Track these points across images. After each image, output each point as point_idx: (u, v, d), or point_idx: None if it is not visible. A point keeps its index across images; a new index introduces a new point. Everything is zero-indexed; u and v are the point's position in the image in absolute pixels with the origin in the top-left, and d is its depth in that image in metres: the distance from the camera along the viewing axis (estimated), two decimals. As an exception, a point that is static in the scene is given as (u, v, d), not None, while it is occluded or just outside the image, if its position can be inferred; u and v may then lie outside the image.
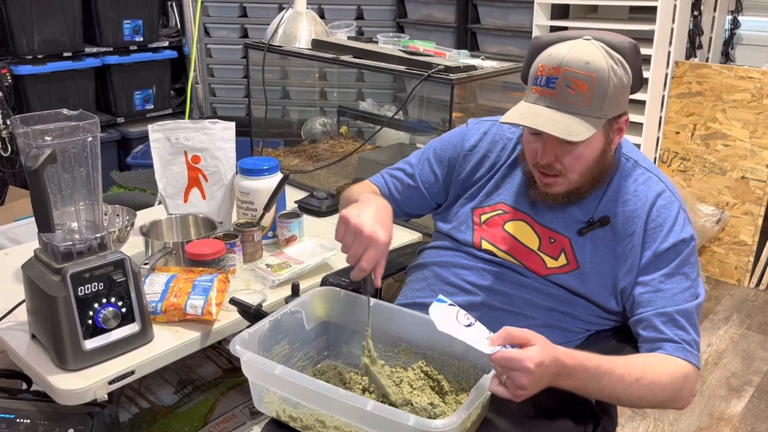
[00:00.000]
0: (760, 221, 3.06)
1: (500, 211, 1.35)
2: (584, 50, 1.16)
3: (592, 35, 1.22)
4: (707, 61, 3.39)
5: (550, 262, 1.28)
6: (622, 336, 1.29)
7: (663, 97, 3.15)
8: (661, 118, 3.20)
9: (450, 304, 1.11)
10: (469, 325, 1.08)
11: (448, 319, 1.08)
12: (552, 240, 1.29)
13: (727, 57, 3.52)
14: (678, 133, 3.21)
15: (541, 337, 1.04)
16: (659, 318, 1.20)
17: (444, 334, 1.11)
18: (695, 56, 3.29)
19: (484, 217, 1.36)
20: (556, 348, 1.05)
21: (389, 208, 1.28)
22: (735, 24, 3.47)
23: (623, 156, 1.30)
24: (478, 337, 1.07)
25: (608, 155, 1.24)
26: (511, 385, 1.02)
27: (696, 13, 3.21)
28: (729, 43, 3.50)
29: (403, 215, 1.52)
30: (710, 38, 3.38)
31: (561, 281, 1.27)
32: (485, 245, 1.34)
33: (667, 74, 3.12)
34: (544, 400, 1.22)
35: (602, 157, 1.23)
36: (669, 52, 3.04)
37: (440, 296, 1.14)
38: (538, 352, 1.00)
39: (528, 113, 1.17)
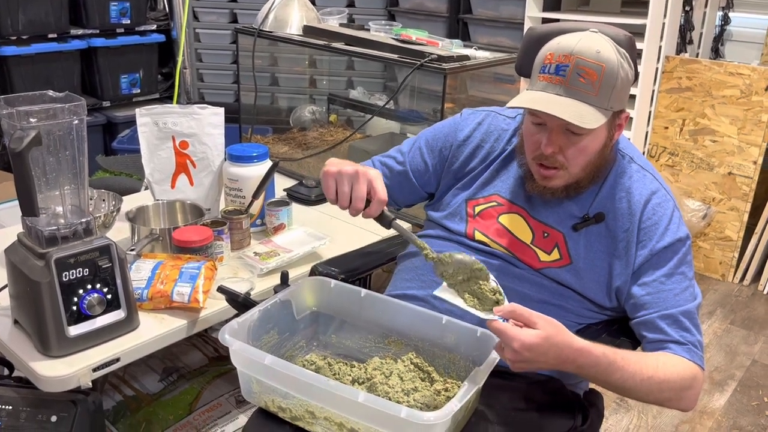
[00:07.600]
0: (745, 217, 3.08)
1: (494, 203, 1.34)
2: (594, 41, 1.15)
3: (591, 28, 1.21)
4: (697, 56, 3.40)
5: (543, 256, 1.28)
6: (613, 329, 1.29)
7: (653, 91, 3.16)
8: (650, 112, 3.20)
9: None
10: None
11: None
12: (545, 234, 1.28)
13: (717, 53, 3.53)
14: (667, 128, 3.22)
15: (552, 326, 1.04)
16: (664, 320, 1.20)
17: (434, 326, 1.10)
18: (686, 51, 3.30)
19: (478, 209, 1.35)
20: (567, 340, 1.05)
21: None
22: (725, 20, 3.48)
23: (619, 152, 1.30)
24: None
25: (608, 150, 1.24)
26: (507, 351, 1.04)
27: (687, 8, 3.21)
28: (719, 39, 3.51)
29: (394, 204, 1.51)
30: (701, 34, 3.39)
31: (554, 275, 1.26)
32: (478, 236, 1.33)
33: (657, 69, 3.12)
34: (535, 393, 1.22)
35: (603, 152, 1.22)
36: (660, 47, 3.04)
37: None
38: (532, 337, 1.01)
39: (538, 99, 1.16)
